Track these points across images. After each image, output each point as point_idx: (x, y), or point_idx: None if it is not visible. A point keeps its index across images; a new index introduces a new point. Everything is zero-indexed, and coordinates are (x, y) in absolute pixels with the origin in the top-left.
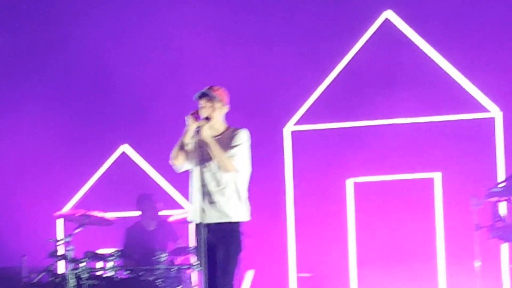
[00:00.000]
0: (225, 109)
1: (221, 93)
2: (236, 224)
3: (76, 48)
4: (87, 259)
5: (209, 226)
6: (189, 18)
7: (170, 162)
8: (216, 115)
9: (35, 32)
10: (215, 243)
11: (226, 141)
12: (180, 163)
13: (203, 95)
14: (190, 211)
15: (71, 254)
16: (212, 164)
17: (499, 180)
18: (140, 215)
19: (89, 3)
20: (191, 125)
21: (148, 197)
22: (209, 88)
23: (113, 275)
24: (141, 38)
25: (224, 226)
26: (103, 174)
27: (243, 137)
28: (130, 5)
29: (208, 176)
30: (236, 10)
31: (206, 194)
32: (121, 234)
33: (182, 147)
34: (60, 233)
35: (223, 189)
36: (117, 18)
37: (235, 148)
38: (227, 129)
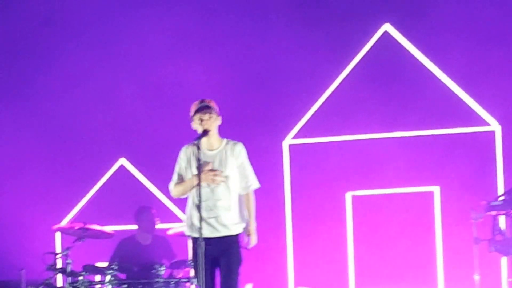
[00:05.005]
0: (219, 120)
1: (214, 104)
2: (236, 236)
3: (75, 63)
4: (85, 272)
5: (209, 239)
6: (187, 34)
7: (175, 196)
8: (214, 127)
9: (37, 38)
10: (215, 256)
11: (227, 155)
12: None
13: (203, 108)
14: (187, 225)
15: (69, 268)
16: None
17: (499, 194)
18: (137, 229)
19: (91, 10)
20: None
21: (147, 210)
22: (201, 101)
23: None
24: (139, 53)
25: (225, 239)
26: (101, 187)
27: (244, 151)
28: (127, 18)
29: (206, 191)
30: (235, 24)
31: (205, 208)
32: (114, 246)
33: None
34: (58, 246)
35: (222, 203)
36: (115, 33)
37: (248, 166)
38: (222, 142)
